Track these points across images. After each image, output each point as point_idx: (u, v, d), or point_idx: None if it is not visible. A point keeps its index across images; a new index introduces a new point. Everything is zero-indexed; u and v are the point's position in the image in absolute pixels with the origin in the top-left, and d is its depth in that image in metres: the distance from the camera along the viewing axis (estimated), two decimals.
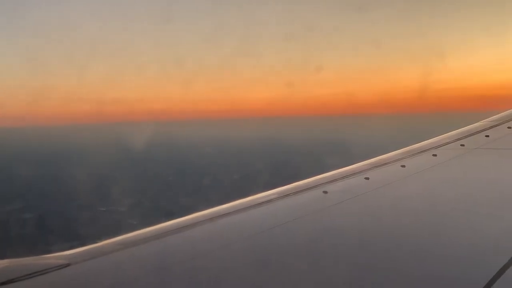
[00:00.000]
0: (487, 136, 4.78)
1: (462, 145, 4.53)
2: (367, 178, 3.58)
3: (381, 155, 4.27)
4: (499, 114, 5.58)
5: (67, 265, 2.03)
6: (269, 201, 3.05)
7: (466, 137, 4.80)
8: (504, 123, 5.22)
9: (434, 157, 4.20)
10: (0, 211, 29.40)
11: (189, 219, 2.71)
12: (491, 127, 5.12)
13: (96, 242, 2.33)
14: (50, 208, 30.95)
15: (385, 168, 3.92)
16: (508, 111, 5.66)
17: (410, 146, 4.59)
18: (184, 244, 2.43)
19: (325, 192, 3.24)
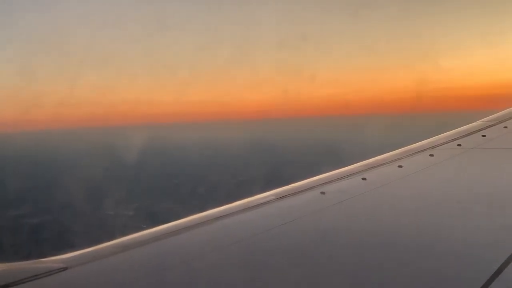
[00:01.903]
0: (483, 136, 4.79)
1: (459, 145, 4.55)
2: (364, 179, 3.58)
3: (378, 155, 4.28)
4: (495, 114, 5.60)
5: (65, 268, 2.02)
6: (266, 203, 3.05)
7: (463, 137, 4.82)
8: (500, 122, 5.24)
9: (431, 157, 4.21)
10: (6, 217, 29.27)
11: (187, 221, 2.70)
12: (488, 126, 5.13)
13: (94, 245, 2.32)
14: (57, 213, 30.71)
15: (382, 168, 3.93)
16: (505, 110, 5.68)
17: (407, 147, 4.60)
18: (181, 247, 2.42)
19: (323, 193, 3.24)
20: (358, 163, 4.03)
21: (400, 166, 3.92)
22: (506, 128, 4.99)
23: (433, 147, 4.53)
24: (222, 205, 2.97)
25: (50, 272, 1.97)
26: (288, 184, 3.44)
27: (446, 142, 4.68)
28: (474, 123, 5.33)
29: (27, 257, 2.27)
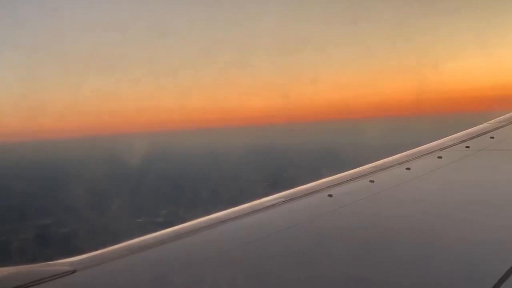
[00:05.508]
0: (492, 137, 4.75)
1: (467, 147, 4.51)
2: (372, 181, 3.56)
3: (386, 157, 4.26)
4: (504, 115, 5.56)
5: (73, 271, 2.03)
6: (274, 205, 3.05)
7: (471, 138, 4.79)
8: (509, 124, 5.20)
9: (439, 159, 4.18)
10: (33, 226, 29.40)
11: (194, 224, 2.71)
12: (496, 128, 5.10)
13: (101, 248, 2.33)
14: (85, 222, 30.65)
15: (390, 170, 3.91)
16: None
17: (415, 149, 4.58)
18: (188, 250, 2.43)
19: (330, 195, 3.23)
20: (366, 166, 4.01)
21: (408, 169, 3.89)
22: None
23: (441, 149, 4.50)
24: (229, 208, 2.98)
25: (58, 275, 1.99)
26: (296, 187, 3.44)
27: (455, 144, 4.65)
28: (483, 125, 5.30)
29: (38, 260, 2.29)
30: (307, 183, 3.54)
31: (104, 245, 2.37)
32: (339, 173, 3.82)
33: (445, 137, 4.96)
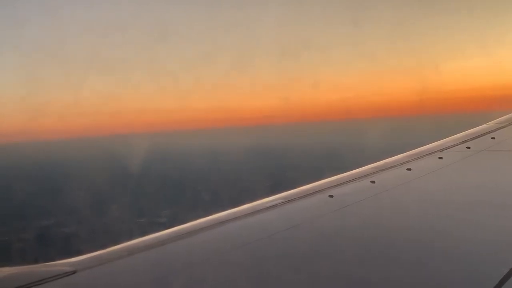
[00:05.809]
0: (493, 138, 4.75)
1: (468, 147, 4.51)
2: (373, 182, 3.56)
3: (386, 158, 4.25)
4: (505, 116, 5.56)
5: (73, 272, 2.03)
6: (274, 206, 3.04)
7: (472, 139, 4.78)
8: (510, 124, 5.20)
9: (440, 159, 4.18)
10: (34, 227, 29.35)
11: (194, 225, 2.71)
12: (497, 129, 5.10)
13: (101, 249, 2.33)
14: (85, 222, 30.53)
15: (391, 171, 3.91)
16: None
17: (416, 149, 4.57)
18: (188, 251, 2.43)
19: (331, 196, 3.22)
20: (366, 166, 4.01)
21: (409, 169, 3.89)
22: None
23: (442, 150, 4.50)
24: (229, 209, 2.97)
25: (59, 276, 1.98)
26: (296, 187, 3.43)
27: (455, 145, 4.65)
28: (484, 125, 5.30)
29: (38, 260, 2.29)
30: (308, 184, 3.53)
31: (105, 246, 2.36)
32: (340, 173, 3.82)
33: (446, 137, 4.96)
